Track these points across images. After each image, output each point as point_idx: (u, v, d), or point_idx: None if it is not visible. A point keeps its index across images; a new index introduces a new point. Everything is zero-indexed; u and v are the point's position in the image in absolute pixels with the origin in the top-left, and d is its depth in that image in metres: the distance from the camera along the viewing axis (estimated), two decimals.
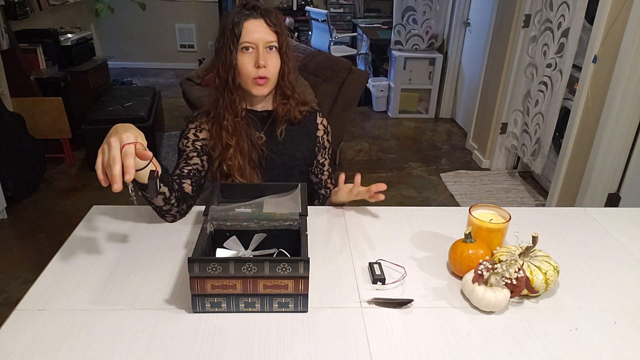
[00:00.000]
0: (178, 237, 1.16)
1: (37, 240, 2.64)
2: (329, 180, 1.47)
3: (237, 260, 0.87)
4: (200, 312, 0.91)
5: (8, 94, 3.10)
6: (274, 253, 1.04)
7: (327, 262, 1.08)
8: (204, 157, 1.33)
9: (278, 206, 1.12)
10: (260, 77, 1.26)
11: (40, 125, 3.31)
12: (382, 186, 1.21)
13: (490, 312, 0.94)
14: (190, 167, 1.28)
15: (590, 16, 2.59)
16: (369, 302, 0.96)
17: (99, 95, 3.95)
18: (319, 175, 1.47)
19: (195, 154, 1.31)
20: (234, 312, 0.92)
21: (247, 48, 1.24)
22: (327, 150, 1.47)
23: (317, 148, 1.45)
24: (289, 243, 1.04)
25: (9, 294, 2.22)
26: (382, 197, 1.23)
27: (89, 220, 1.22)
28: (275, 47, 1.27)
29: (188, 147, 1.32)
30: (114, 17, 5.88)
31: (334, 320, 0.91)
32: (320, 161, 1.47)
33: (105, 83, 4.27)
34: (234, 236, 1.02)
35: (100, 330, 0.87)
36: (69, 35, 3.92)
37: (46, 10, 4.11)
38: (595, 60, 2.53)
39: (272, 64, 1.27)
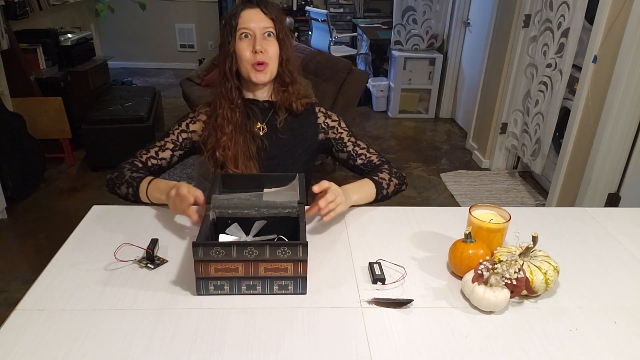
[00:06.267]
0: (178, 236, 1.16)
1: (37, 240, 2.64)
2: (357, 149, 1.41)
3: (239, 245, 0.91)
4: (204, 295, 0.95)
5: (8, 94, 3.10)
6: (274, 238, 1.07)
7: (327, 262, 1.08)
8: (178, 153, 1.38)
9: (277, 196, 1.15)
10: (259, 63, 1.28)
11: (40, 125, 3.31)
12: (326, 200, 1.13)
13: (490, 312, 0.94)
14: (156, 161, 1.35)
15: (590, 16, 2.59)
16: (369, 302, 0.96)
17: (99, 95, 3.95)
18: (345, 149, 1.42)
19: (172, 145, 1.37)
20: (236, 294, 0.95)
21: (245, 35, 1.28)
22: (336, 127, 1.43)
23: (322, 133, 1.43)
24: (288, 229, 1.09)
25: (9, 294, 2.22)
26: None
27: (89, 220, 1.22)
28: (273, 33, 1.30)
29: (172, 134, 1.38)
30: (114, 17, 5.89)
31: (334, 320, 0.91)
32: (337, 137, 1.42)
33: (105, 83, 4.27)
34: (236, 223, 1.06)
35: (100, 330, 0.87)
36: (69, 35, 3.92)
37: (46, 10, 4.11)
38: (595, 60, 2.53)
39: (271, 50, 1.29)
